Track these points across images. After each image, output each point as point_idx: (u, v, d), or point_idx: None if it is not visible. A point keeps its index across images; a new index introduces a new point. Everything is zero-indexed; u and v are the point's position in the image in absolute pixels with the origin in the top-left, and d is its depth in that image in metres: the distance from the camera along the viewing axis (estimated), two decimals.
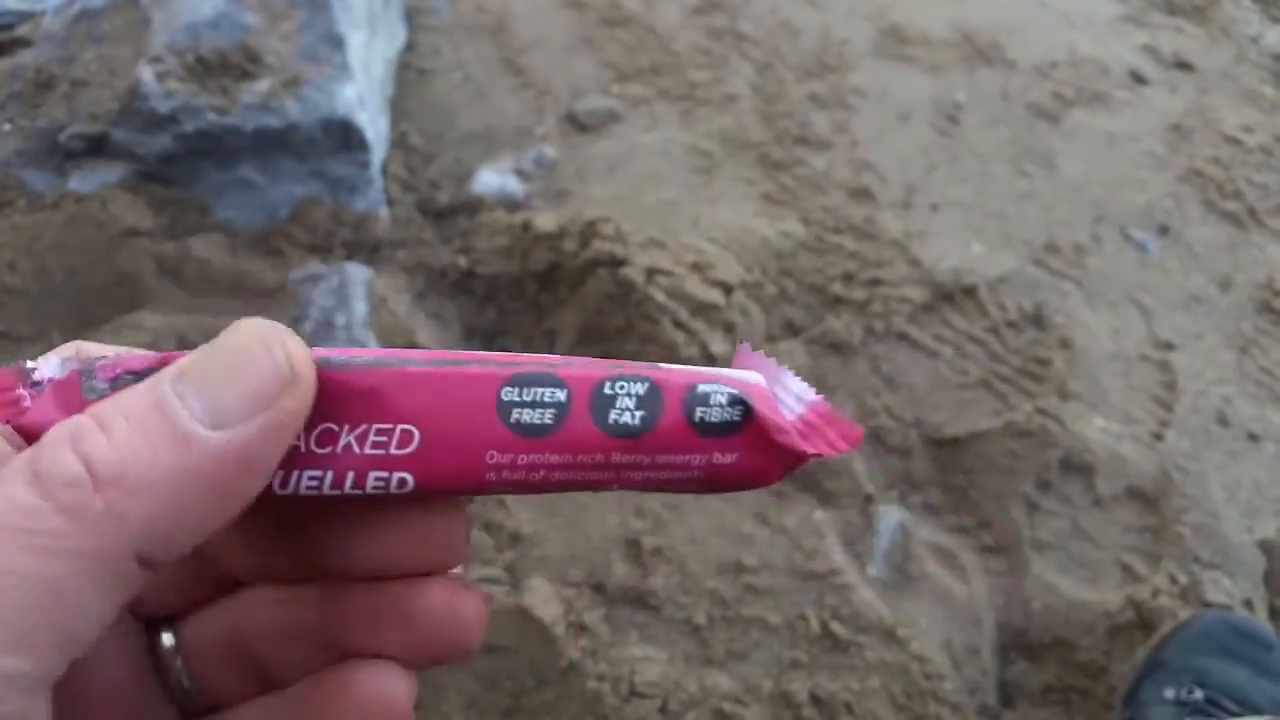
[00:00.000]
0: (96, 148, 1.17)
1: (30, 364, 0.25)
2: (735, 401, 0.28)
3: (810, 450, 0.29)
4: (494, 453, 0.26)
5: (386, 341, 1.06)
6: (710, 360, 1.12)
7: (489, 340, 1.15)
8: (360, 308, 1.06)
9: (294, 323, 1.07)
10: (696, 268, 1.21)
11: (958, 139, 1.45)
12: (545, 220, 1.22)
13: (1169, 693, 0.85)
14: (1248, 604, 1.03)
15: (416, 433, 0.26)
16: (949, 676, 0.94)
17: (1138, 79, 1.62)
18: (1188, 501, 1.10)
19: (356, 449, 0.26)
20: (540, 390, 0.26)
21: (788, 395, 0.30)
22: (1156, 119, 1.55)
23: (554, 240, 1.20)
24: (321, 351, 0.26)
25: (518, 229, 1.22)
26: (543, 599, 0.89)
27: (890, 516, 1.03)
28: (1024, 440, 1.10)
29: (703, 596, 0.95)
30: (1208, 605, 0.98)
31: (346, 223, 1.17)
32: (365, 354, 0.27)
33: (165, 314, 1.03)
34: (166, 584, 0.30)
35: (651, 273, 1.16)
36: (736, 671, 0.91)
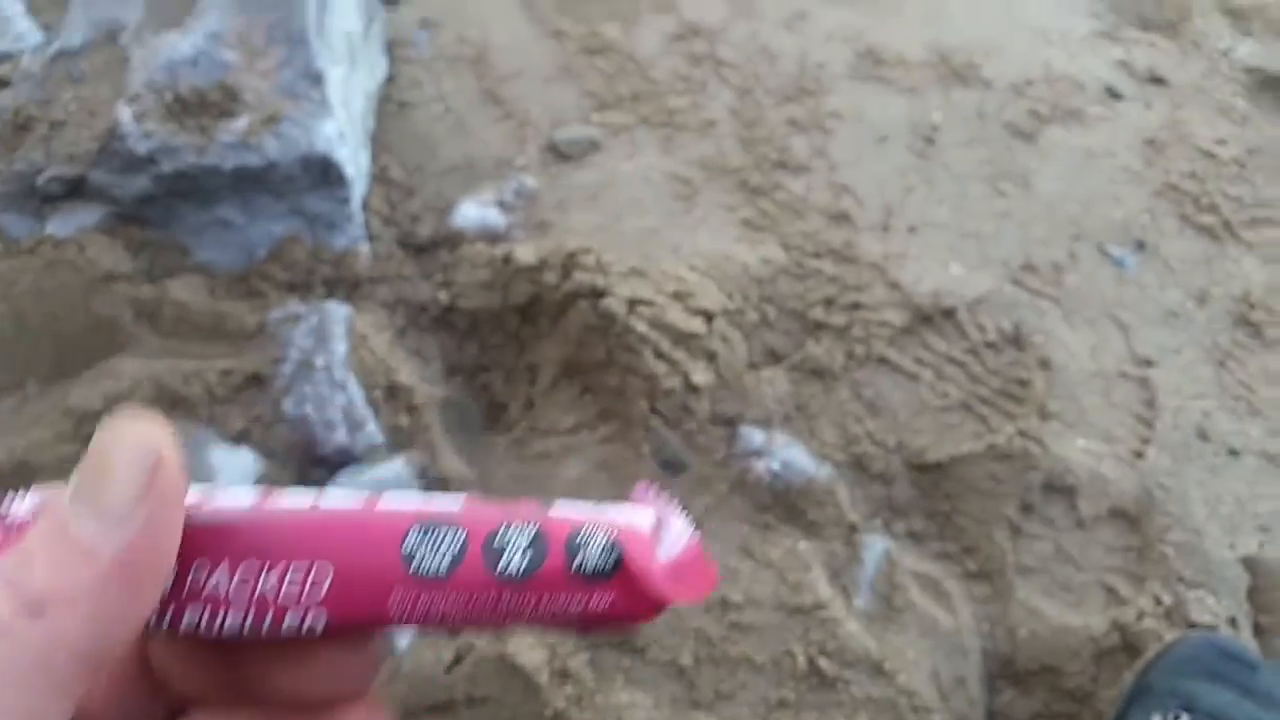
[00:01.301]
0: (74, 190, 1.17)
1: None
2: (610, 548, 0.30)
3: (673, 598, 0.31)
4: (397, 595, 0.29)
5: (367, 380, 1.07)
6: (692, 390, 1.13)
7: (471, 376, 1.16)
8: (340, 347, 1.06)
9: (274, 364, 1.07)
10: (678, 296, 1.21)
11: (935, 160, 1.46)
12: (526, 252, 1.22)
13: (1156, 717, 0.86)
14: (1232, 622, 1.04)
15: (328, 575, 0.28)
16: (937, 709, 0.94)
17: (1112, 94, 1.63)
18: (1170, 520, 1.11)
19: (270, 589, 0.28)
20: (441, 536, 0.29)
21: (669, 534, 0.33)
22: (1131, 134, 1.56)
23: (535, 272, 1.20)
24: (230, 501, 0.29)
25: (499, 262, 1.23)
26: (526, 645, 0.89)
27: (875, 545, 1.04)
28: (1006, 463, 1.10)
29: (688, 636, 0.95)
30: (1193, 626, 0.98)
31: (326, 260, 1.17)
32: (283, 499, 0.30)
33: (143, 359, 1.03)
34: (124, 711, 0.32)
35: (633, 303, 1.17)
36: (724, 713, 0.91)
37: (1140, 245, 1.38)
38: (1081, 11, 1.82)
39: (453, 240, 1.28)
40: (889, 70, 1.59)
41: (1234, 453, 1.19)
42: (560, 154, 1.41)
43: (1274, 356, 1.29)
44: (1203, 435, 1.19)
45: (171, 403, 1.04)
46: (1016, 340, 1.23)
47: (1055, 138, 1.52)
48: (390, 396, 1.06)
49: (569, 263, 1.19)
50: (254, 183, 1.17)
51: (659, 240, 1.32)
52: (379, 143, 1.37)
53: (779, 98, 1.52)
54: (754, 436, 1.11)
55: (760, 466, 1.07)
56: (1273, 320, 1.33)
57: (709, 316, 1.19)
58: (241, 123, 1.17)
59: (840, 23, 1.67)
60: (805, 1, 1.71)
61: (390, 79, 1.47)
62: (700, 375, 1.14)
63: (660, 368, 1.12)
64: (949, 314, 1.26)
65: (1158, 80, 1.69)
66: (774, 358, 1.22)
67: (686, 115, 1.49)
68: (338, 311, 1.10)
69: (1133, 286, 1.34)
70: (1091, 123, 1.56)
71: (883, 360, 1.22)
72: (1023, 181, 1.44)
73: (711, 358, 1.17)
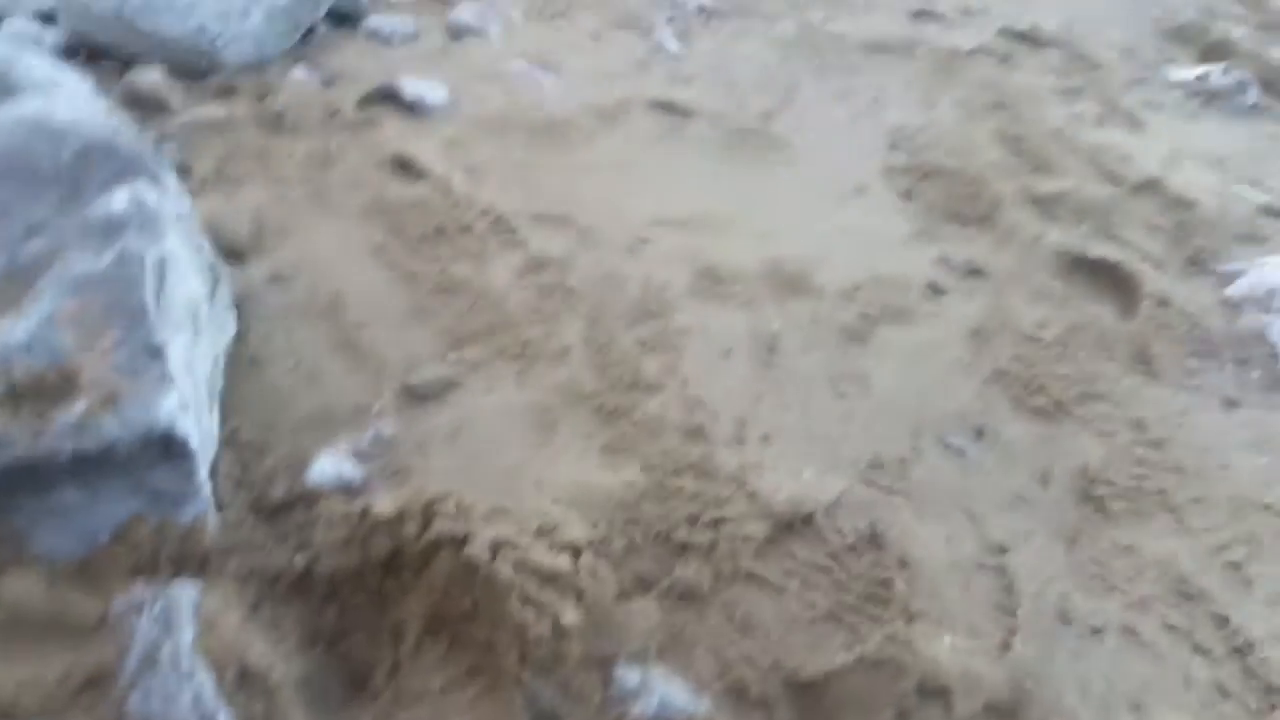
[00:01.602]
0: None
1: None
2: None
3: None
4: None
5: (218, 665, 1.01)
6: (563, 634, 1.11)
7: (331, 644, 1.11)
8: (187, 633, 1.01)
9: (117, 658, 1.01)
10: (542, 532, 1.21)
11: (778, 368, 1.53)
12: (384, 504, 1.21)
13: None
14: None
15: None
16: None
17: (936, 290, 1.76)
18: (1044, 710, 1.12)
19: None
20: None
21: None
22: (958, 326, 1.68)
23: (394, 525, 1.19)
24: None
25: (356, 517, 1.20)
26: None
27: None
28: (878, 672, 1.11)
29: None
30: None
31: (172, 537, 1.13)
32: None
33: None
34: None
35: (496, 546, 1.16)
36: None
37: (979, 433, 1.46)
38: (899, 215, 1.98)
39: (308, 498, 1.26)
40: (727, 286, 1.68)
41: (1096, 631, 1.23)
42: (417, 396, 1.43)
43: (1121, 529, 1.36)
44: (1064, 618, 1.23)
45: (2, 716, 0.97)
46: (874, 540, 1.27)
47: (887, 337, 1.62)
48: (243, 681, 1.01)
49: (429, 511, 1.18)
50: (94, 465, 1.14)
51: (521, 475, 1.33)
52: (229, 403, 1.36)
53: (628, 320, 1.59)
54: (629, 676, 1.09)
55: (638, 710, 1.05)
56: (1115, 493, 1.41)
57: (575, 551, 1.19)
58: (79, 405, 1.15)
59: (678, 245, 1.77)
60: (644, 228, 1.81)
61: (240, 336, 1.47)
62: (570, 615, 1.13)
63: (529, 614, 1.10)
64: (808, 520, 1.29)
65: (976, 272, 1.84)
66: (644, 585, 1.22)
67: (541, 345, 1.53)
68: (184, 594, 1.06)
69: (977, 474, 1.40)
70: (919, 319, 1.67)
71: (750, 575, 1.23)
72: (862, 381, 1.52)
73: (580, 595, 1.15)
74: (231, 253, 1.58)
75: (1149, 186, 2.17)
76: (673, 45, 2.62)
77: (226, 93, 2.06)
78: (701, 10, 2.85)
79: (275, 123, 1.96)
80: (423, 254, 1.65)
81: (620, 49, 2.55)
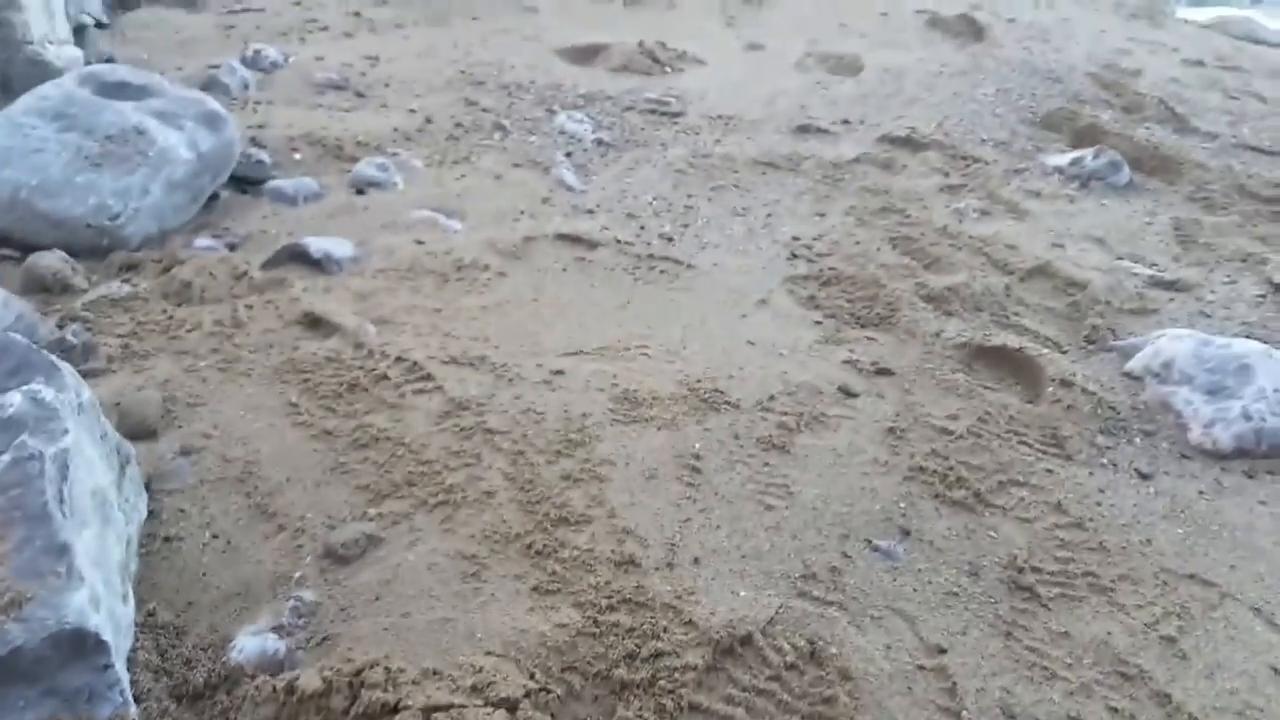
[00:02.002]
0: None
1: None
2: None
3: None
4: None
5: None
6: None
7: None
8: None
9: None
10: (477, 690, 1.18)
11: (704, 487, 1.54)
12: (310, 679, 1.17)
13: None
14: None
15: None
16: None
17: (848, 393, 1.81)
18: None
19: None
20: None
21: None
22: (872, 427, 1.71)
23: (322, 699, 1.15)
24: None
25: (281, 694, 1.16)
26: None
27: None
28: None
29: None
30: None
31: None
32: None
33: None
34: None
35: (429, 712, 1.12)
36: None
37: (905, 533, 1.48)
38: (804, 323, 2.05)
39: (231, 679, 1.21)
40: (646, 410, 1.70)
41: None
42: (339, 558, 1.40)
43: (1055, 615, 1.38)
44: (1008, 712, 1.23)
45: None
46: (814, 656, 1.26)
47: (806, 444, 1.65)
48: None
49: (356, 682, 1.15)
50: (2, 672, 1.08)
51: (452, 629, 1.30)
52: (144, 586, 1.32)
53: (550, 455, 1.59)
54: None
55: None
56: (1044, 579, 1.43)
57: (512, 706, 1.16)
58: None
59: (594, 373, 1.79)
60: (560, 360, 1.83)
61: (153, 515, 1.43)
62: None
63: None
64: (746, 641, 1.28)
65: (884, 371, 1.89)
66: None
67: (464, 490, 1.52)
68: None
69: (908, 574, 1.41)
70: (835, 423, 1.71)
71: (695, 707, 1.21)
72: (786, 492, 1.54)
73: None
74: (141, 431, 1.55)
75: (1039, 271, 2.28)
76: (573, 180, 2.70)
77: (130, 269, 2.06)
78: (599, 143, 2.96)
79: (182, 293, 1.96)
80: (338, 410, 1.64)
81: (522, 188, 2.62)
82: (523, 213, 2.47)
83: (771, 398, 1.75)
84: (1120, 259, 2.41)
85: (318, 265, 2.09)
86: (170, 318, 1.89)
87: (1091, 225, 2.54)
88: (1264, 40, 4.24)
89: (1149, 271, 2.34)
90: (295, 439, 1.58)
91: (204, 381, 1.68)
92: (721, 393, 1.75)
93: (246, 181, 2.52)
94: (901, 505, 1.53)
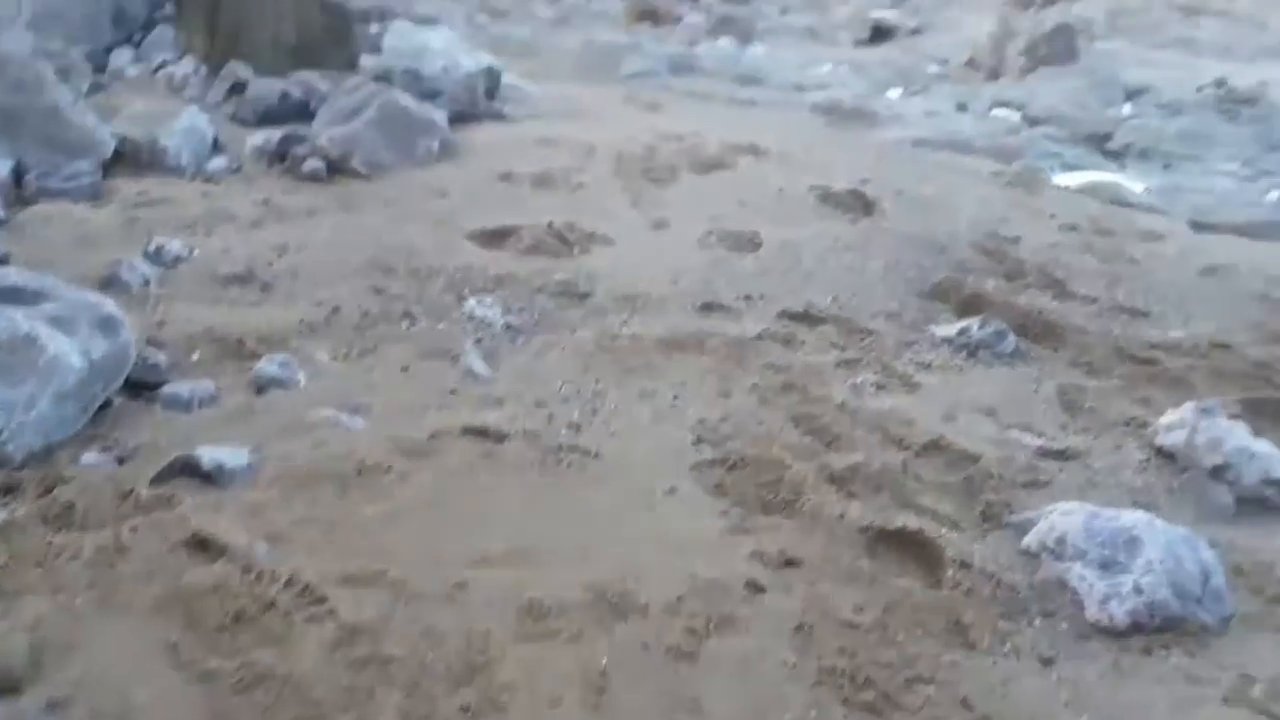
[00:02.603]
0: None
1: None
2: None
3: None
4: None
5: None
6: None
7: None
8: None
9: None
10: None
11: (610, 709, 1.49)
12: None
13: None
14: None
15: None
16: None
17: (755, 588, 1.79)
18: None
19: None
20: None
21: None
22: (780, 625, 1.69)
23: None
24: None
25: None
26: None
27: None
28: None
29: None
30: None
31: None
32: None
33: None
34: None
35: None
36: None
37: None
38: (710, 512, 2.05)
39: None
40: (551, 623, 1.66)
41: None
42: None
43: None
44: None
45: None
46: None
47: (715, 650, 1.62)
48: None
49: None
50: None
51: None
52: None
53: (449, 684, 1.52)
54: None
55: None
56: None
57: None
58: None
59: (498, 584, 1.75)
60: (462, 570, 1.79)
61: None
62: None
63: None
64: None
65: (791, 563, 1.89)
66: None
67: None
68: None
69: None
70: (743, 624, 1.69)
71: None
72: (695, 708, 1.50)
73: None
74: (4, 684, 1.45)
75: (933, 446, 2.33)
76: (481, 368, 2.71)
77: (8, 491, 1.97)
78: (509, 328, 2.98)
79: (63, 517, 1.87)
80: (221, 647, 1.56)
81: (430, 379, 2.62)
82: (429, 406, 2.46)
83: (680, 599, 1.72)
84: (1010, 428, 2.48)
85: (209, 478, 2.03)
86: (49, 544, 1.80)
87: (980, 395, 2.63)
88: (1131, 203, 4.55)
89: (1038, 442, 2.42)
90: (173, 685, 1.49)
91: (77, 622, 1.59)
92: (629, 596, 1.72)
93: (141, 386, 2.46)
94: (812, 714, 1.50)
